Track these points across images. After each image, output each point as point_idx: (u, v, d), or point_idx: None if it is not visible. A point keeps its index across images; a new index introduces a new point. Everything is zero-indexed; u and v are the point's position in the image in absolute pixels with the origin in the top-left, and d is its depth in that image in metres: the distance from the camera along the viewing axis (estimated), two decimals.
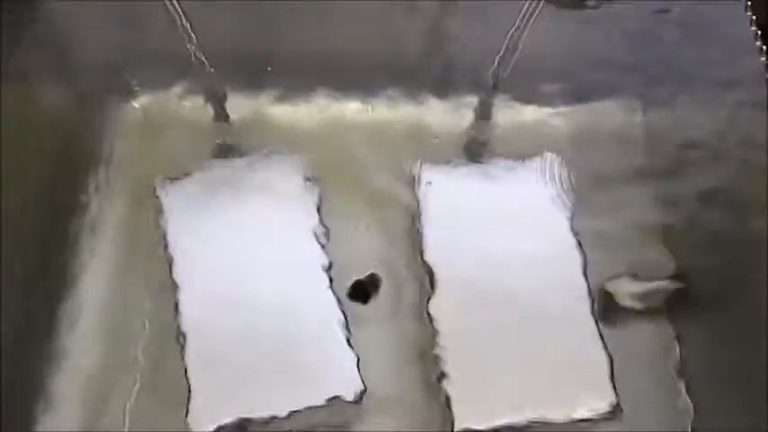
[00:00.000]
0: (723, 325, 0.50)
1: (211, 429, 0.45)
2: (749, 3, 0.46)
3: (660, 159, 0.60)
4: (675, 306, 0.54)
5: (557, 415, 0.46)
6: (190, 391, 0.46)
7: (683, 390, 0.52)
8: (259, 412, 0.45)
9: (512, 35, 0.48)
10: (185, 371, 0.47)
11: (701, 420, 0.50)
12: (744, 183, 0.48)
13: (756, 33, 0.44)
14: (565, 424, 0.46)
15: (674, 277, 0.55)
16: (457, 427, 0.46)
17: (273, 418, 0.45)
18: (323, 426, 0.48)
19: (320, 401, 0.46)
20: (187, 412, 0.46)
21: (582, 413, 0.46)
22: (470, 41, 0.57)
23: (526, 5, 0.46)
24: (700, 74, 0.55)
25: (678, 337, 0.53)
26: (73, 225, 0.57)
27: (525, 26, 0.47)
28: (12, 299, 0.50)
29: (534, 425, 0.46)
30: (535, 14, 0.47)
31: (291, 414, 0.45)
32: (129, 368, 0.52)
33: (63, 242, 0.57)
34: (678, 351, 0.53)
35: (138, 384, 0.51)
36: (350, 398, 0.46)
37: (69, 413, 0.51)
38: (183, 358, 0.47)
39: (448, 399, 0.46)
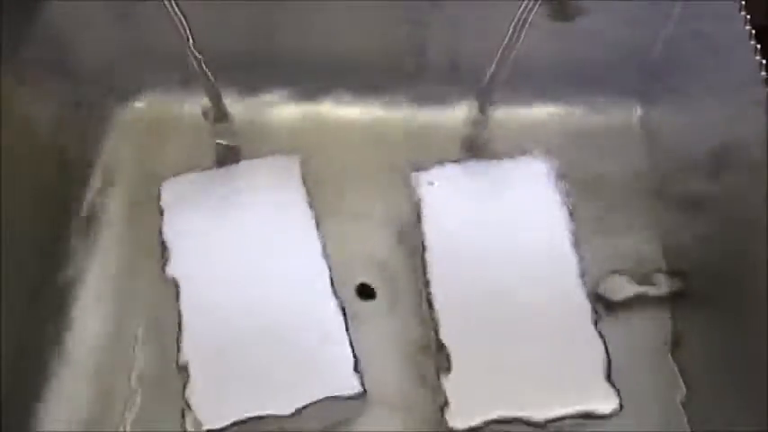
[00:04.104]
0: (722, 321, 0.50)
1: (210, 428, 0.45)
2: (743, 2, 0.46)
3: (658, 158, 0.60)
4: (674, 302, 0.54)
5: (556, 412, 0.46)
6: (189, 390, 0.46)
7: (683, 385, 0.52)
8: (258, 411, 0.45)
9: (510, 34, 0.48)
10: (185, 370, 0.47)
11: (701, 416, 0.50)
12: (742, 180, 0.48)
13: (751, 32, 0.45)
14: (563, 421, 0.46)
15: (672, 274, 0.55)
16: (455, 424, 0.46)
17: (272, 416, 0.45)
18: (322, 424, 0.49)
19: (318, 399, 0.46)
20: (185, 412, 0.46)
21: (580, 409, 0.46)
22: (468, 40, 0.57)
23: (524, 5, 0.46)
24: (697, 73, 0.55)
25: (677, 333, 0.54)
26: (74, 225, 0.58)
27: (523, 25, 0.47)
28: (13, 299, 0.50)
29: (533, 421, 0.46)
30: (533, 13, 0.46)
31: (290, 412, 0.46)
32: (129, 369, 0.52)
33: (64, 242, 0.57)
34: (677, 347, 0.53)
35: (137, 385, 0.52)
36: (348, 396, 0.47)
37: (69, 414, 0.51)
38: (181, 358, 0.47)
39: (446, 396, 0.47)
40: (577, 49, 0.59)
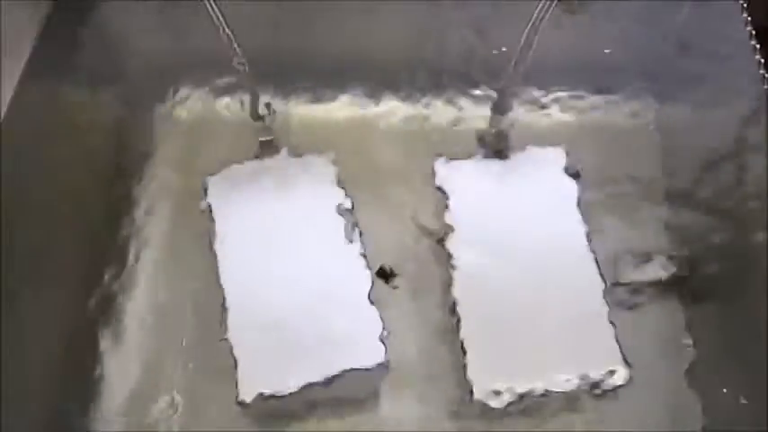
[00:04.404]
0: (728, 305, 0.52)
1: (253, 398, 0.48)
2: (745, 5, 0.48)
3: (669, 152, 0.61)
4: (683, 287, 0.56)
5: (569, 384, 0.49)
6: (235, 364, 0.49)
7: (689, 368, 0.54)
8: (294, 380, 0.48)
9: (527, 32, 0.49)
10: (229, 344, 0.50)
11: (707, 397, 0.52)
12: (744, 174, 0.50)
13: (751, 33, 0.46)
14: (576, 393, 0.49)
15: (681, 261, 0.57)
16: (475, 395, 0.49)
17: (307, 385, 0.48)
18: (351, 394, 0.52)
19: (346, 369, 0.49)
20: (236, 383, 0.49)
21: (591, 382, 0.49)
22: (488, 39, 0.59)
23: (541, 4, 0.47)
24: (704, 72, 0.56)
25: (686, 317, 0.55)
26: (124, 216, 0.60)
27: (540, 24, 0.48)
28: (69, 281, 0.54)
29: (547, 393, 0.49)
30: (549, 12, 0.47)
31: (322, 381, 0.49)
32: (177, 345, 0.55)
33: (115, 232, 0.59)
34: (686, 328, 0.55)
35: (184, 360, 0.54)
36: (375, 368, 0.49)
37: (121, 386, 0.54)
38: (225, 333, 0.50)
39: (467, 369, 0.49)
40: (594, 48, 0.60)
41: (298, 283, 0.52)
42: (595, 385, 0.49)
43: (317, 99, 0.65)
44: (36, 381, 0.50)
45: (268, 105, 0.57)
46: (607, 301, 0.51)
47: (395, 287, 0.57)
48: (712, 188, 0.54)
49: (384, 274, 0.57)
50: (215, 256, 0.53)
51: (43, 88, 0.51)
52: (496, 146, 0.58)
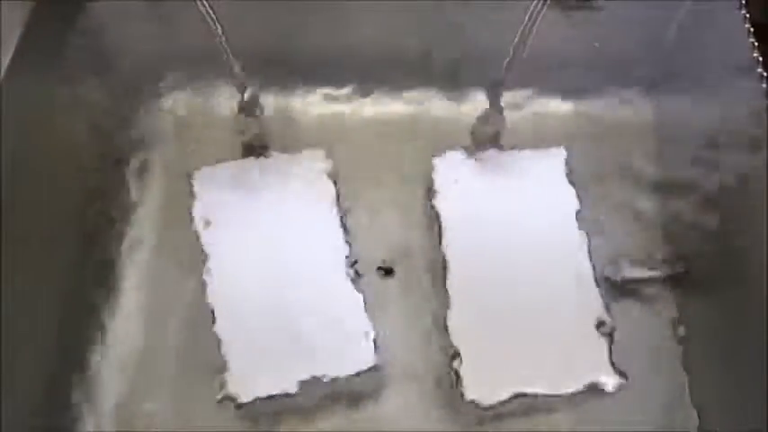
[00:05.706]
0: (722, 302, 0.52)
1: (244, 398, 0.48)
2: (743, 1, 0.48)
3: (665, 148, 0.61)
4: (677, 285, 0.56)
5: (560, 388, 0.49)
6: (224, 364, 0.49)
7: (684, 363, 0.54)
8: (286, 383, 0.48)
9: (521, 30, 0.48)
10: (217, 345, 0.50)
11: (701, 396, 0.52)
12: (741, 171, 0.49)
13: (749, 30, 0.46)
14: (568, 397, 0.49)
15: (675, 261, 0.57)
16: (468, 394, 0.49)
17: (299, 385, 0.48)
18: (342, 394, 0.51)
19: (340, 373, 0.49)
20: (222, 385, 0.49)
21: (584, 386, 0.49)
22: (482, 37, 0.59)
23: (533, 3, 0.47)
24: (701, 69, 0.57)
25: (679, 317, 0.55)
26: (113, 214, 0.60)
27: (534, 21, 0.48)
28: (56, 283, 0.53)
29: (541, 393, 0.49)
30: (543, 10, 0.47)
31: (314, 382, 0.49)
32: (166, 344, 0.55)
33: (104, 231, 0.59)
34: (679, 330, 0.55)
35: (174, 359, 0.54)
36: (366, 372, 0.49)
37: (110, 387, 0.54)
38: (216, 332, 0.50)
39: (458, 372, 0.49)
40: (590, 46, 0.60)
41: (288, 283, 0.51)
42: (590, 386, 0.49)
43: (309, 95, 0.65)
44: (26, 380, 0.50)
45: (256, 102, 0.57)
46: (603, 301, 0.51)
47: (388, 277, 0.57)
48: (711, 187, 0.53)
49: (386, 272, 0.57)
50: (203, 253, 0.53)
51: (29, 85, 0.50)
52: (491, 143, 0.58)
